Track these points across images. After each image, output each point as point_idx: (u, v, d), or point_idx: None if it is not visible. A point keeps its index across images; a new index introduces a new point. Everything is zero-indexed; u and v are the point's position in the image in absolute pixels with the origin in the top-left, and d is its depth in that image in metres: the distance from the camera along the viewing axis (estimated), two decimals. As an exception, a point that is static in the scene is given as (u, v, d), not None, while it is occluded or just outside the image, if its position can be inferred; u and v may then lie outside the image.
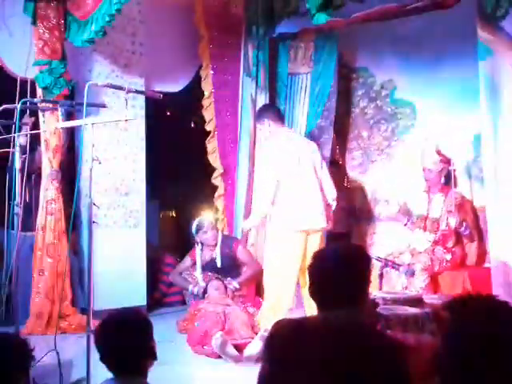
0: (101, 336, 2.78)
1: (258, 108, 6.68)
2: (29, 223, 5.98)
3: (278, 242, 5.51)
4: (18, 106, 4.76)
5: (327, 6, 4.24)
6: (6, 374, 1.96)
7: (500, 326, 1.67)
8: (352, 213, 7.14)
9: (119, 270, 6.51)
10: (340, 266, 2.26)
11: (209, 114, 7.17)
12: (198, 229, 6.44)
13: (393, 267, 4.72)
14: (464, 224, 5.80)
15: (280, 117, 5.98)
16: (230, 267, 6.40)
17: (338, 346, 1.49)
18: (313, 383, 1.50)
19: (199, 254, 6.43)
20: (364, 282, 2.29)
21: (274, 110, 6.06)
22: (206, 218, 6.59)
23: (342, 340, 1.51)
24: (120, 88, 4.19)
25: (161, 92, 6.51)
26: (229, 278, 6.27)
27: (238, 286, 6.18)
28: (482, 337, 1.67)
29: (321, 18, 4.33)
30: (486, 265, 5.78)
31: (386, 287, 5.44)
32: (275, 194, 5.47)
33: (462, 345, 1.70)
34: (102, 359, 2.74)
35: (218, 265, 6.34)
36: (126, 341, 2.70)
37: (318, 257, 2.35)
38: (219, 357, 5.17)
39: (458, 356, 1.70)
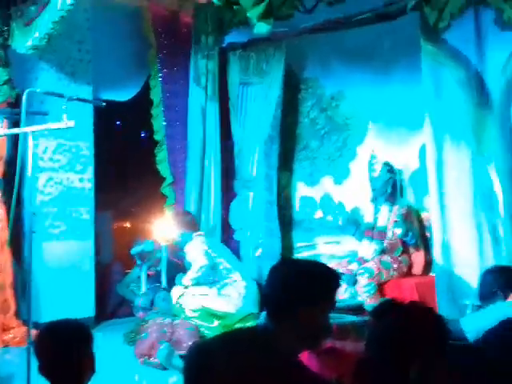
0: (37, 347, 2.73)
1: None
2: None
3: None
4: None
5: (268, 15, 4.21)
6: None
7: (402, 331, 1.67)
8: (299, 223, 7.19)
9: (67, 282, 6.39)
10: (276, 279, 2.24)
11: (158, 123, 7.13)
12: (140, 259, 6.45)
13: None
14: (410, 233, 5.87)
15: (191, 225, 6.21)
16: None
17: (237, 370, 1.42)
18: None
19: (144, 269, 6.42)
20: (298, 295, 2.23)
21: (184, 220, 6.23)
22: (147, 245, 6.54)
23: (242, 362, 1.44)
24: (60, 96, 4.10)
25: (109, 101, 6.50)
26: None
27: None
28: (385, 340, 1.67)
29: (261, 28, 4.31)
30: (432, 273, 5.83)
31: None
32: None
33: (369, 348, 1.71)
34: (40, 370, 2.69)
35: (164, 284, 6.30)
36: (61, 352, 2.64)
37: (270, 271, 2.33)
38: (166, 368, 5.12)
39: (368, 360, 1.71)
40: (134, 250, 6.49)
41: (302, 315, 2.16)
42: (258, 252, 6.89)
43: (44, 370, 2.67)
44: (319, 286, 2.21)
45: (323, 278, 2.25)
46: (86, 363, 2.69)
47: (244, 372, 1.33)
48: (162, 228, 6.32)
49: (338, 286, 2.29)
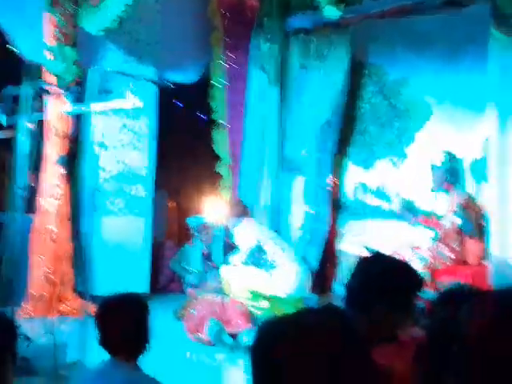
0: (98, 319, 2.82)
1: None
2: (32, 206, 6.05)
3: None
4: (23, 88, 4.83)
5: (340, 1, 4.16)
6: None
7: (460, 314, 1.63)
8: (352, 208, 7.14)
9: (123, 257, 6.55)
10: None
11: (218, 104, 7.17)
12: (198, 231, 6.48)
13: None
14: (468, 223, 5.72)
15: (240, 212, 6.18)
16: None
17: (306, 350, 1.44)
18: None
19: (199, 246, 6.49)
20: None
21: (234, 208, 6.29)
22: (204, 219, 6.58)
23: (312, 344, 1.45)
24: (129, 75, 4.17)
25: (173, 82, 6.59)
26: None
27: None
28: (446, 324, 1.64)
29: (331, 12, 4.25)
30: (488, 263, 5.70)
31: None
32: None
33: (432, 333, 1.69)
34: (100, 341, 2.78)
35: (220, 262, 6.37)
36: (120, 325, 2.72)
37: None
38: (214, 345, 5.19)
39: (430, 346, 1.70)
40: (194, 222, 6.54)
41: (377, 312, 2.19)
42: (305, 237, 6.89)
43: (104, 340, 2.76)
44: (400, 288, 2.24)
45: (406, 282, 2.28)
46: (143, 334, 2.77)
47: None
48: (217, 208, 6.38)
49: (419, 290, 2.30)
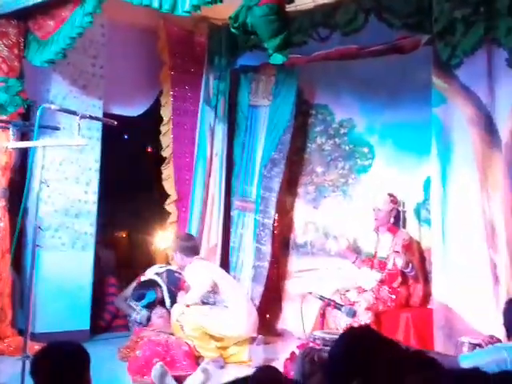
0: (34, 368, 2.73)
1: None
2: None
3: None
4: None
5: (285, 47, 4.26)
6: None
7: None
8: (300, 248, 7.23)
9: (64, 293, 6.36)
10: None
11: (166, 140, 7.19)
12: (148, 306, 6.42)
13: (335, 307, 4.68)
14: (410, 265, 5.84)
15: (191, 250, 6.10)
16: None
17: None
18: None
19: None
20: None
21: (184, 244, 6.15)
22: (151, 296, 6.48)
23: None
24: (73, 113, 4.14)
25: (119, 116, 6.54)
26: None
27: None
28: None
29: (277, 59, 4.34)
30: (430, 306, 5.83)
31: (332, 326, 5.50)
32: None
33: None
34: None
35: (168, 305, 6.29)
36: (59, 376, 2.65)
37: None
38: (158, 388, 5.09)
39: None
40: (142, 304, 6.44)
41: None
42: (251, 275, 6.89)
43: None
44: (382, 364, 2.27)
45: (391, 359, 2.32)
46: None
47: None
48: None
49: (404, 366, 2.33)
